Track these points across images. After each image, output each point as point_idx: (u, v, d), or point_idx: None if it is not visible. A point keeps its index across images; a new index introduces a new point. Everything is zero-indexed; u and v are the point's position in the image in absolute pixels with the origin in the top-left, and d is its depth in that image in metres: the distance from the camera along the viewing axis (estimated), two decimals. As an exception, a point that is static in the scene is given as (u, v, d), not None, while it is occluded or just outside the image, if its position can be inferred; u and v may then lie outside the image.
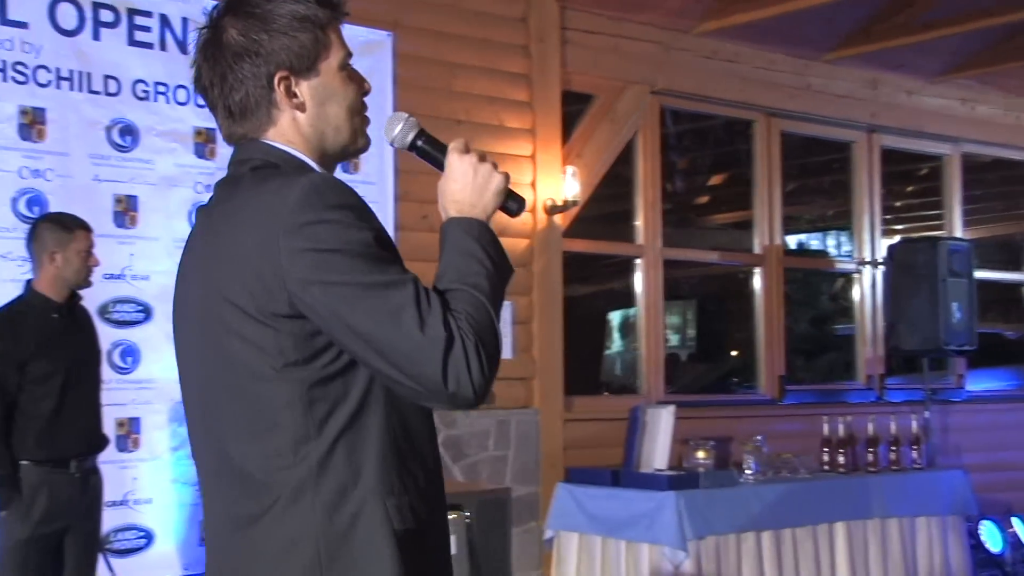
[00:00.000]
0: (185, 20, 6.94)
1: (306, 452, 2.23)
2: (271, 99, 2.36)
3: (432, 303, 2.17)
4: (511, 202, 2.47)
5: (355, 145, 2.49)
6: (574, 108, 8.64)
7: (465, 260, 2.30)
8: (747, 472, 8.09)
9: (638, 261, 9.02)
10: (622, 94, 8.71)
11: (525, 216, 7.83)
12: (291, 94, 2.35)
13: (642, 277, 9.03)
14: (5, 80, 6.35)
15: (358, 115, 2.46)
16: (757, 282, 9.82)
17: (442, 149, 2.48)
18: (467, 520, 4.95)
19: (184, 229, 6.65)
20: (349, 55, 2.45)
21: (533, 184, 8.14)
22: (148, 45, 6.84)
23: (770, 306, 9.79)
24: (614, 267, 9.44)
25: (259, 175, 2.34)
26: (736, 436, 8.70)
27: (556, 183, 8.18)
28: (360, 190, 7.04)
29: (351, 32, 7.00)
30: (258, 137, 2.40)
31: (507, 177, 2.43)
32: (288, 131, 2.38)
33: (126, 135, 6.71)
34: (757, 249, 9.83)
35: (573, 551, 7.91)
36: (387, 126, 2.52)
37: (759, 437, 8.37)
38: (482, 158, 2.42)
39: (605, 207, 9.27)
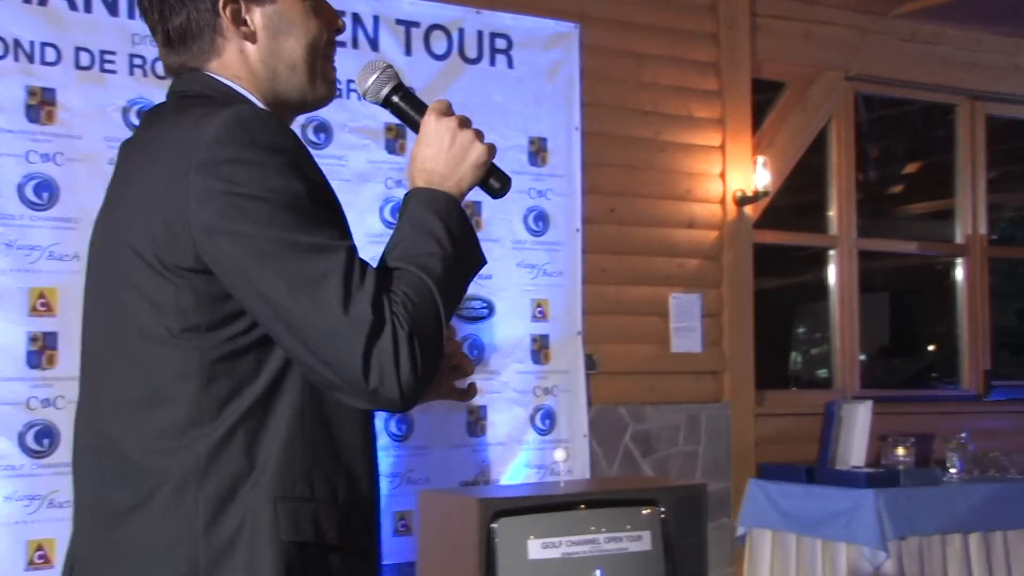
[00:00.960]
0: (376, 19, 7.00)
1: (196, 436, 1.97)
2: (216, 25, 2.14)
3: (366, 279, 1.93)
4: (493, 179, 2.23)
5: (314, 92, 2.24)
6: (765, 96, 8.56)
7: (419, 236, 2.06)
8: (951, 470, 7.95)
9: (832, 252, 8.93)
10: (815, 81, 8.62)
11: (714, 207, 8.01)
12: (239, 21, 2.14)
13: (836, 269, 8.95)
14: None
15: (320, 56, 2.23)
16: (959, 273, 9.63)
17: (421, 109, 2.26)
18: (662, 515, 4.87)
19: (376, 224, 6.74)
20: None
21: (723, 175, 8.08)
22: (341, 44, 6.96)
23: (974, 298, 9.59)
24: (804, 260, 9.44)
25: (184, 104, 2.13)
26: (938, 433, 8.54)
27: (746, 173, 8.11)
28: (548, 183, 6.88)
29: (537, 24, 7.01)
30: (195, 65, 2.18)
31: (491, 149, 2.19)
32: (234, 64, 2.16)
33: (320, 132, 6.75)
34: (959, 239, 9.64)
35: (767, 549, 7.88)
36: (359, 75, 2.28)
37: (963, 434, 8.21)
38: (464, 124, 2.19)
39: (797, 198, 9.23)
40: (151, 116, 2.19)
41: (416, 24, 7.17)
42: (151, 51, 6.30)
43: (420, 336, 1.92)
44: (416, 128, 2.21)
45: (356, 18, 6.94)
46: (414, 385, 1.90)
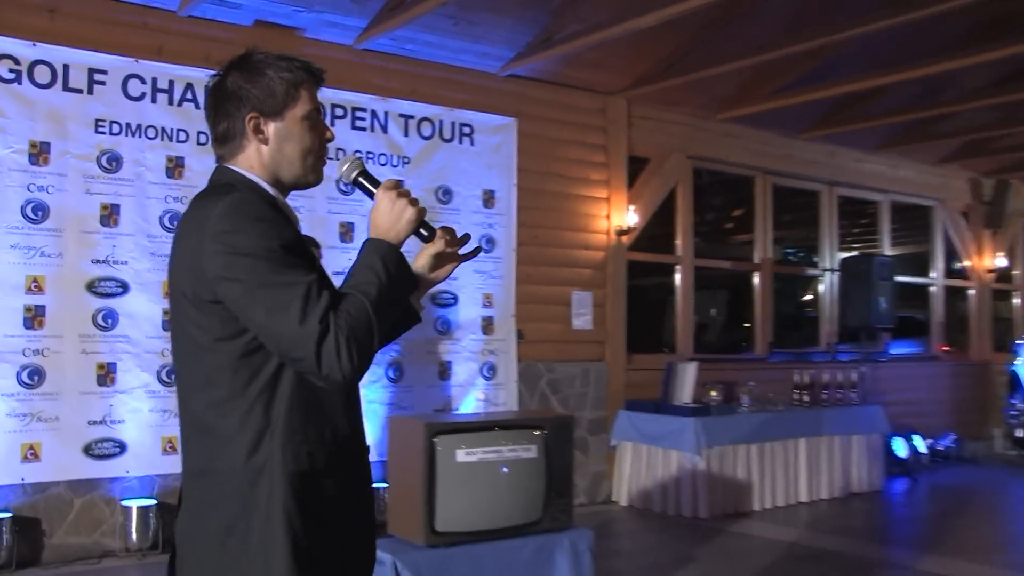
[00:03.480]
0: (386, 113, 7.44)
1: (233, 406, 2.06)
2: (243, 132, 2.17)
3: (320, 302, 1.96)
4: (422, 230, 2.23)
5: (306, 179, 2.24)
6: (636, 167, 9.00)
7: (364, 272, 2.08)
8: (743, 405, 8.54)
9: (677, 266, 9.47)
10: (667, 158, 9.19)
11: (602, 237, 8.52)
12: (258, 131, 2.17)
13: (679, 277, 9.49)
14: None
15: (312, 156, 2.22)
16: (756, 281, 10.26)
17: (376, 184, 2.25)
18: (544, 435, 4.83)
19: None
20: (316, 110, 2.23)
21: (608, 216, 8.62)
22: (362, 128, 7.36)
23: (764, 297, 10.24)
24: (663, 269, 9.71)
25: (211, 191, 2.15)
26: (737, 381, 9.08)
27: (622, 216, 8.69)
28: (494, 219, 7.75)
29: (489, 118, 7.78)
30: (230, 160, 2.20)
31: (421, 211, 2.19)
32: (252, 158, 2.18)
33: (348, 186, 7.29)
34: (756, 259, 10.26)
35: (628, 453, 8.46)
36: (339, 164, 2.28)
37: (751, 382, 8.86)
38: (402, 195, 2.18)
39: (655, 231, 9.47)
40: (194, 200, 2.18)
41: (412, 116, 7.62)
42: None
43: (356, 338, 1.96)
44: (372, 197, 2.22)
45: (373, 113, 7.41)
46: (352, 369, 1.96)
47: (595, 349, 8.72)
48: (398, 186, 2.19)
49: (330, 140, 2.26)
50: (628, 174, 8.94)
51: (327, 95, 7.00)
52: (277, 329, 1.95)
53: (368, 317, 2.00)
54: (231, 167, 2.19)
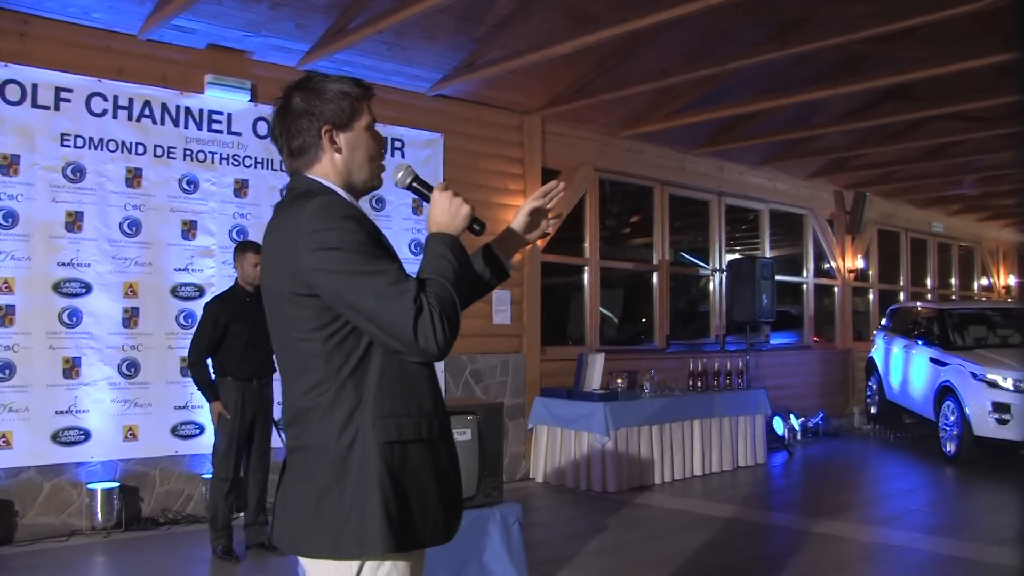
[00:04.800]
0: None
1: (327, 388, 2.10)
2: (319, 144, 2.21)
3: (408, 285, 2.01)
4: (475, 224, 2.28)
5: (372, 182, 2.29)
6: (549, 178, 8.44)
7: (437, 260, 2.13)
8: (645, 391, 8.75)
9: (585, 267, 9.70)
10: (577, 171, 9.45)
11: None
12: (332, 142, 2.21)
13: (587, 276, 9.72)
14: (228, 163, 7.03)
15: (376, 161, 2.28)
16: (655, 280, 10.54)
17: (429, 188, 2.30)
18: (477, 420, 4.83)
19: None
20: (374, 120, 2.28)
21: None
22: None
23: (661, 294, 10.52)
24: (572, 269, 9.82)
25: (294, 198, 2.18)
26: (639, 370, 9.32)
27: None
28: (422, 225, 8.13)
29: (419, 133, 8.03)
30: (305, 171, 2.24)
31: (472, 208, 2.23)
32: (327, 167, 2.22)
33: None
34: (655, 261, 10.55)
35: (544, 436, 8.65)
36: (394, 172, 2.34)
37: (653, 371, 9.09)
38: (455, 194, 2.23)
39: (566, 235, 9.63)
40: (278, 207, 2.23)
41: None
42: (197, 146, 6.83)
43: (446, 314, 2.03)
44: (427, 200, 2.28)
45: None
46: (446, 342, 2.02)
47: (513, 342, 8.91)
48: (450, 188, 2.25)
49: (384, 147, 2.35)
50: (542, 184, 8.99)
51: (271, 110, 7.14)
52: (375, 310, 2.00)
53: (452, 296, 2.06)
54: (308, 175, 2.24)
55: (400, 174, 2.34)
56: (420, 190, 2.33)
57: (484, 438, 4.92)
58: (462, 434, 4.86)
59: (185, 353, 6.60)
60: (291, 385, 2.18)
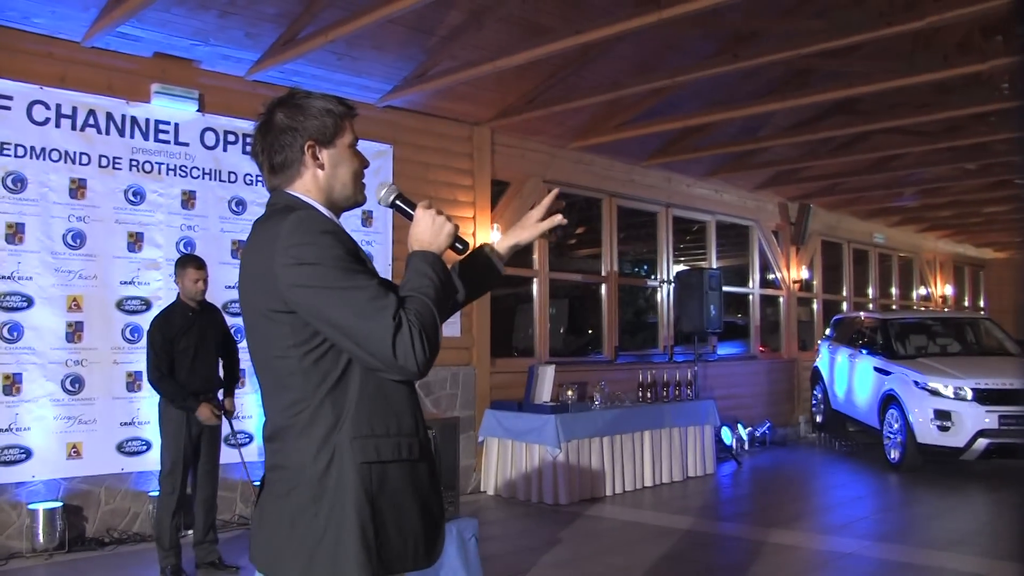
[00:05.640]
0: None
1: (305, 406, 2.09)
2: (302, 160, 2.21)
3: (388, 301, 2.00)
4: (458, 243, 2.31)
5: (355, 198, 2.30)
6: (498, 189, 9.30)
7: (418, 278, 2.13)
8: (595, 403, 8.85)
9: (535, 279, 9.76)
10: (526, 182, 9.52)
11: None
12: (315, 158, 2.22)
13: (536, 288, 9.77)
14: (176, 174, 6.94)
15: (358, 178, 2.28)
16: (603, 291, 10.62)
17: (412, 206, 2.32)
18: (433, 435, 4.80)
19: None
20: (356, 139, 2.29)
21: (474, 234, 8.82)
22: (248, 153, 7.50)
23: (610, 306, 10.61)
24: (518, 281, 9.85)
25: (275, 216, 2.16)
26: (589, 381, 9.43)
27: (487, 233, 8.91)
28: (372, 237, 8.12)
29: (369, 144, 7.99)
30: (286, 187, 2.24)
31: (456, 227, 2.26)
32: (309, 183, 2.22)
33: (239, 205, 7.23)
34: (603, 272, 10.64)
35: (495, 448, 8.69)
36: (377, 189, 2.37)
37: (603, 382, 9.17)
38: (439, 212, 2.26)
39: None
40: (256, 224, 2.22)
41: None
42: (144, 157, 6.75)
43: (425, 332, 2.01)
44: (410, 217, 2.30)
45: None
46: (425, 360, 2.01)
47: (463, 355, 8.93)
48: (434, 206, 2.27)
49: (366, 166, 2.33)
50: (492, 196, 9.20)
51: (219, 122, 7.17)
52: (353, 326, 1.99)
53: (432, 314, 2.06)
54: (288, 192, 2.24)
55: (383, 192, 2.36)
56: (403, 208, 2.35)
57: (441, 453, 5.02)
58: (418, 448, 4.82)
59: (132, 368, 6.66)
60: (270, 402, 2.19)
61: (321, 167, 2.23)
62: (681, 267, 11.61)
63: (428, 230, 2.23)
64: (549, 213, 2.60)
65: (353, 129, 2.29)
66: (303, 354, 2.08)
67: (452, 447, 5.19)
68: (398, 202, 2.36)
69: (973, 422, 9.30)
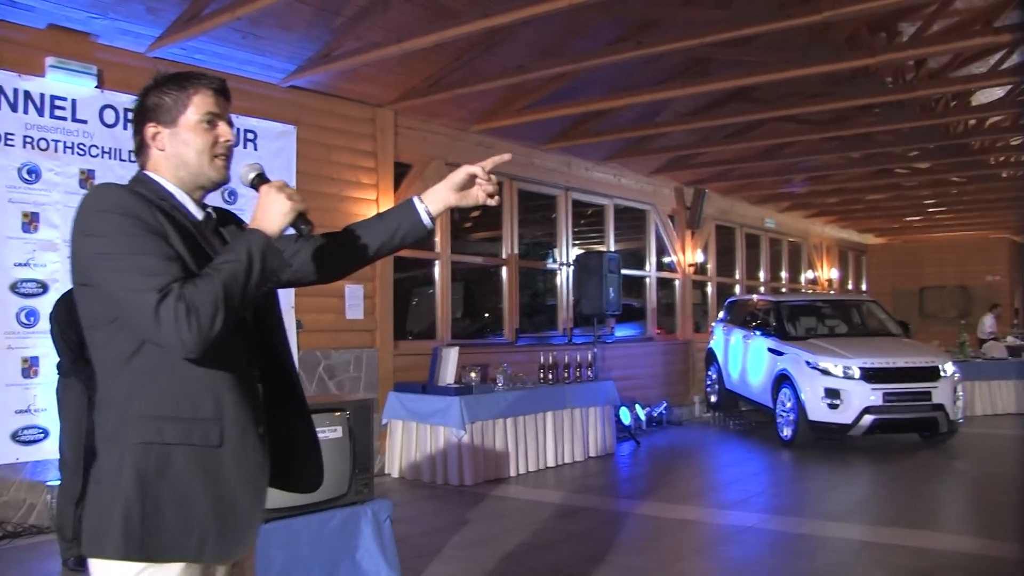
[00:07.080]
0: None
1: (106, 381, 2.10)
2: (146, 143, 2.24)
3: (163, 275, 1.97)
4: (301, 224, 2.24)
5: (206, 175, 2.26)
6: (401, 171, 9.36)
7: (228, 253, 2.09)
8: (498, 384, 9.04)
9: (436, 262, 9.86)
10: (428, 164, 9.57)
11: None
12: (156, 140, 2.22)
13: (438, 271, 9.88)
14: (73, 152, 6.81)
15: (207, 155, 2.24)
16: (504, 273, 10.81)
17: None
18: (347, 417, 4.84)
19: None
20: (211, 114, 2.24)
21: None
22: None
23: (511, 288, 10.81)
24: (415, 263, 10.17)
25: None
26: (491, 363, 9.61)
27: None
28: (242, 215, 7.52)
29: (272, 125, 7.94)
30: (144, 168, 2.25)
31: (295, 206, 2.18)
32: (158, 163, 2.23)
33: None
34: (504, 255, 10.83)
35: (399, 431, 8.78)
36: (240, 169, 2.33)
37: (505, 364, 9.42)
38: (282, 191, 2.20)
39: None
40: None
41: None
42: (39, 133, 6.59)
43: (196, 308, 1.95)
44: None
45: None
46: (191, 336, 1.95)
47: (366, 337, 9.00)
48: (284, 186, 2.22)
49: (228, 141, 2.28)
50: (394, 178, 9.27)
51: (120, 99, 7.03)
52: (124, 297, 1.97)
53: (215, 292, 1.98)
54: (142, 171, 2.26)
55: (244, 170, 2.33)
56: (258, 187, 2.30)
57: (355, 435, 4.95)
58: (333, 431, 4.88)
59: (27, 353, 6.51)
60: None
61: (162, 148, 2.23)
62: (579, 250, 11.81)
63: (262, 207, 2.20)
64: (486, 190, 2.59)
65: (207, 104, 2.26)
66: (100, 327, 2.09)
67: (366, 429, 5.01)
68: (257, 182, 2.32)
69: (860, 399, 9.89)
